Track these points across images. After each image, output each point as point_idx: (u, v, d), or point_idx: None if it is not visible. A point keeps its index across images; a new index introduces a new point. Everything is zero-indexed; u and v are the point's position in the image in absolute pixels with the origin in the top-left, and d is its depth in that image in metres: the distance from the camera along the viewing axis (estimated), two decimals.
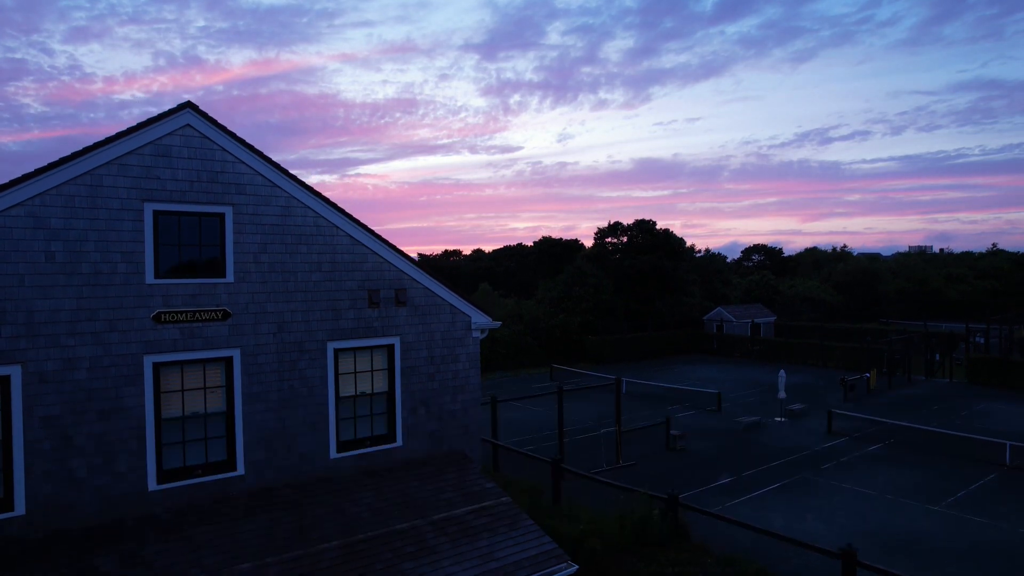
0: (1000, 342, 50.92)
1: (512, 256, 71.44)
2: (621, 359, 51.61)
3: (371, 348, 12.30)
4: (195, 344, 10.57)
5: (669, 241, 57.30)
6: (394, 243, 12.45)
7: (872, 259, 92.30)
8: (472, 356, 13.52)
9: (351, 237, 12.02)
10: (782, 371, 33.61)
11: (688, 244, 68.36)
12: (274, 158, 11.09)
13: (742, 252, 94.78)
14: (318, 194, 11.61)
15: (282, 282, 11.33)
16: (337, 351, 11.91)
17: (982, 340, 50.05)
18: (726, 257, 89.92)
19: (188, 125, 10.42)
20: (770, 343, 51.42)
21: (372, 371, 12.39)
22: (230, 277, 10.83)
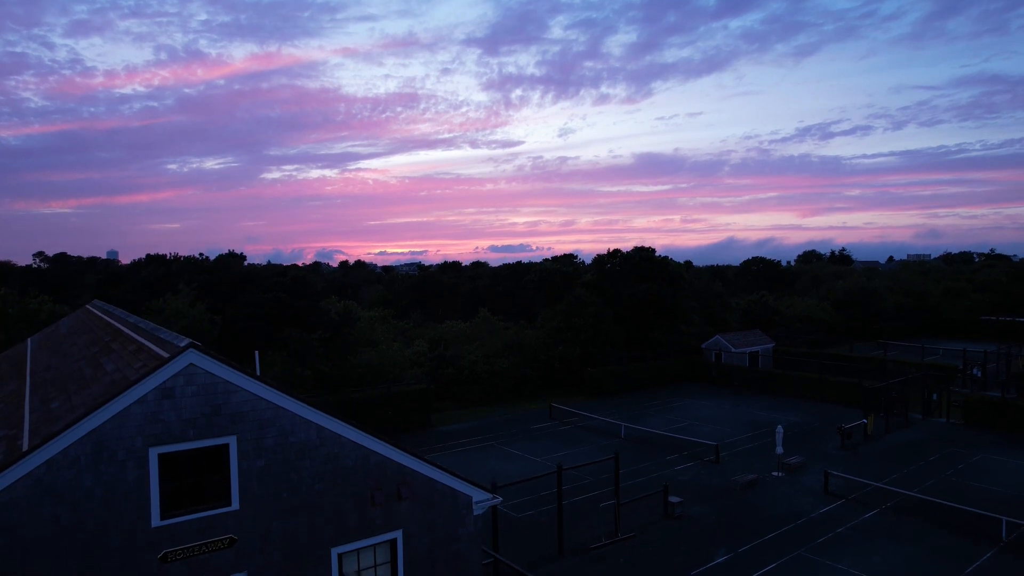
0: (997, 374, 51.09)
1: (512, 276, 71.59)
2: (620, 390, 51.98)
3: (374, 546, 12.46)
4: None
5: (668, 268, 57.34)
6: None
7: (870, 274, 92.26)
8: (473, 535, 13.68)
9: (353, 442, 12.11)
10: (779, 427, 33.83)
11: (685, 261, 68.27)
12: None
13: (741, 264, 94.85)
14: (319, 408, 11.68)
15: (287, 499, 11.45)
16: (341, 555, 12.07)
17: (979, 373, 50.24)
18: (724, 267, 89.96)
19: (191, 364, 10.47)
20: (768, 375, 51.63)
21: (375, 566, 12.55)
22: (235, 504, 10.95)
